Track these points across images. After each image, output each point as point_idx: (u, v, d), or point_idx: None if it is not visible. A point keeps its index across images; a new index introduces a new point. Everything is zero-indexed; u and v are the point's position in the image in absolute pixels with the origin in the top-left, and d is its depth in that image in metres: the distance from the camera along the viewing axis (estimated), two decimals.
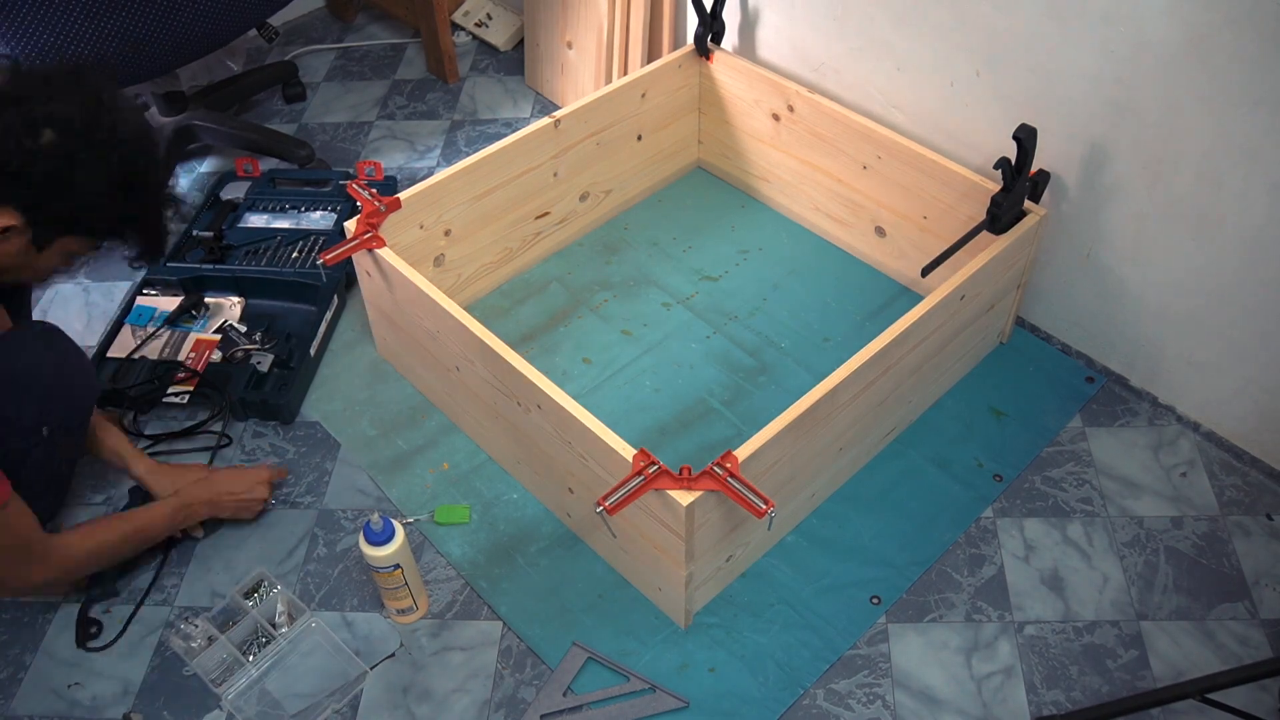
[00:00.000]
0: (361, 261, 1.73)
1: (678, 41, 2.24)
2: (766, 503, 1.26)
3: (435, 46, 2.55)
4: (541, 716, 1.43)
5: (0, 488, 1.28)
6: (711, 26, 2.02)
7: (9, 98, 1.21)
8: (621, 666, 1.47)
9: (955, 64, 1.74)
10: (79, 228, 1.28)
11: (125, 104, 1.30)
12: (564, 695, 1.45)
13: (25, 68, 1.26)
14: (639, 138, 2.08)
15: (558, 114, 1.90)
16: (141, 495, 1.64)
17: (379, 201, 1.69)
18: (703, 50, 2.05)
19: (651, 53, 2.24)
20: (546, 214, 2.01)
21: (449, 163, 2.34)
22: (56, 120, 1.19)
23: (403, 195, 1.73)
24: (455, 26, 2.71)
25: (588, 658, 1.48)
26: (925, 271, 1.72)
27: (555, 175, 1.97)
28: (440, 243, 1.84)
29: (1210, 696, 1.16)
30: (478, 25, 2.68)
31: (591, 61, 2.31)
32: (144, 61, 1.98)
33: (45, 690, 1.50)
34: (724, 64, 2.04)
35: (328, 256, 1.64)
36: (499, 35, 2.67)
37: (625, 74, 2.24)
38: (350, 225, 1.67)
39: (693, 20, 2.05)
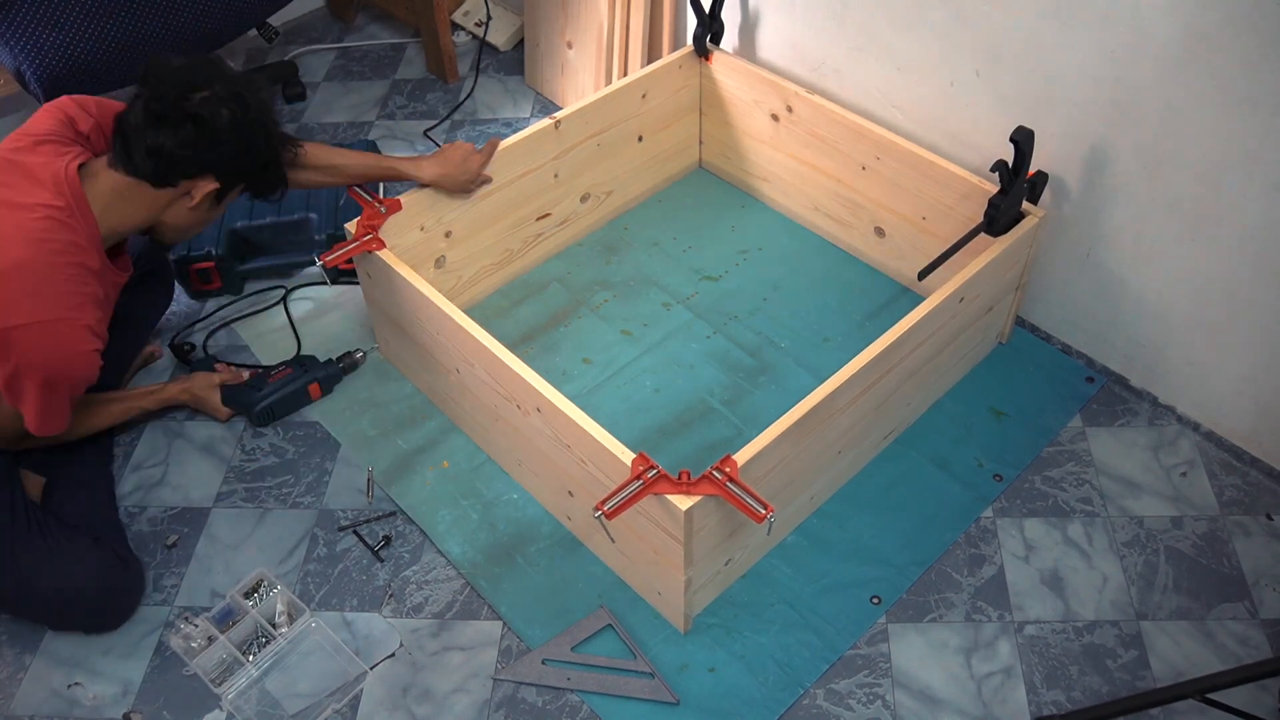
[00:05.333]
0: (362, 264, 1.73)
1: (678, 42, 2.24)
2: (766, 507, 1.26)
3: (435, 46, 2.55)
4: (544, 660, 1.47)
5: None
6: (710, 27, 2.02)
7: (181, 94, 1.40)
8: (634, 644, 1.49)
9: (955, 64, 1.74)
10: (244, 177, 1.51)
11: (244, 75, 1.53)
12: (571, 650, 1.48)
13: (164, 67, 1.43)
14: (640, 139, 2.08)
15: (558, 115, 1.90)
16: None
17: (380, 203, 1.69)
18: (702, 50, 2.05)
19: (651, 53, 2.24)
20: (547, 215, 2.01)
21: None
22: (227, 101, 1.42)
23: (403, 197, 1.73)
24: (455, 26, 2.71)
25: (607, 624, 1.51)
26: (922, 275, 1.72)
27: (556, 177, 1.97)
28: (441, 244, 1.84)
29: (1210, 696, 1.16)
30: (478, 25, 2.68)
31: (591, 61, 2.31)
32: (144, 61, 1.97)
33: (45, 690, 1.50)
34: (723, 64, 2.04)
35: (328, 259, 1.64)
36: (499, 35, 2.67)
37: (625, 74, 2.24)
38: (351, 227, 1.67)
39: (693, 20, 2.05)
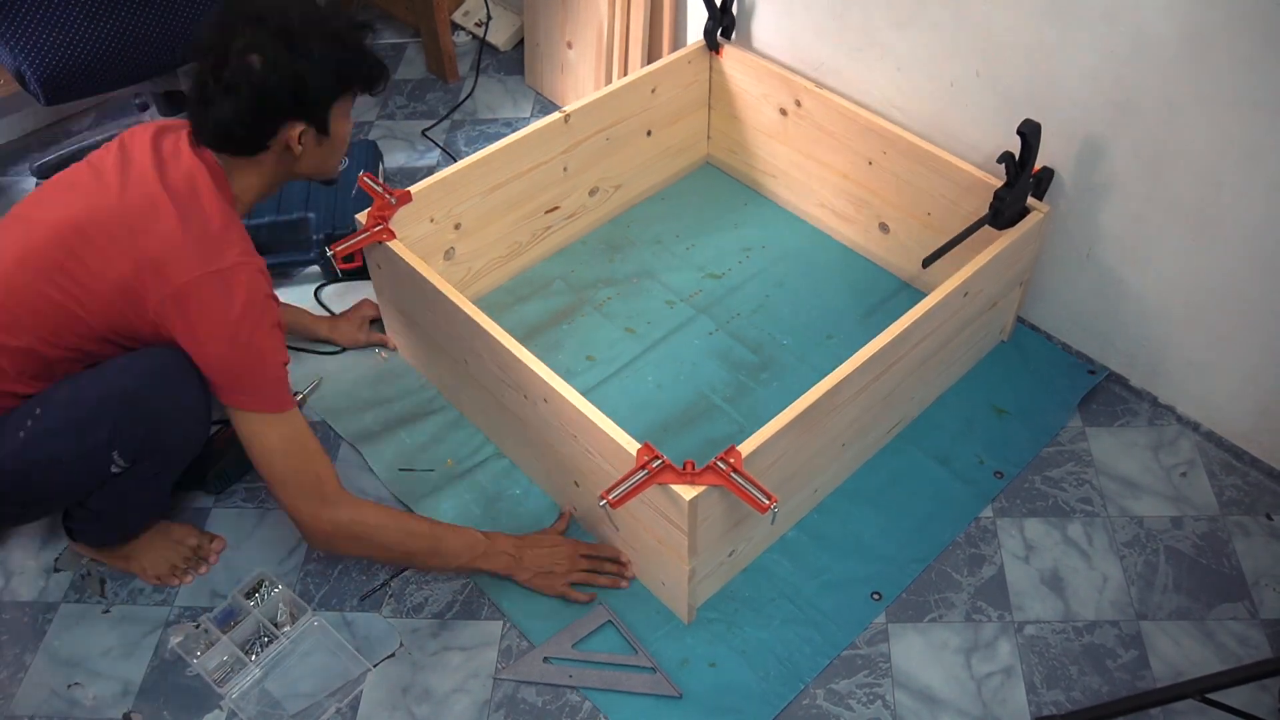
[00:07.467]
0: (372, 254, 1.73)
1: (678, 42, 2.24)
2: (769, 498, 1.27)
3: (435, 46, 2.55)
4: (545, 658, 1.48)
5: (282, 395, 1.38)
6: (721, 20, 2.02)
7: (215, 63, 1.34)
8: (635, 640, 1.49)
9: (955, 63, 1.74)
10: (330, 96, 1.41)
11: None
12: (572, 647, 1.49)
13: (200, 33, 1.37)
14: (649, 133, 2.08)
15: (568, 109, 1.90)
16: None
17: (390, 195, 1.69)
18: (712, 44, 2.05)
19: (651, 53, 2.24)
20: (556, 209, 2.01)
21: (449, 163, 2.34)
22: (254, 45, 1.33)
23: (414, 189, 1.73)
24: (455, 26, 2.71)
25: (608, 620, 1.51)
26: (926, 262, 1.72)
27: (565, 170, 1.97)
28: (450, 236, 1.84)
29: (1210, 696, 1.16)
30: (478, 25, 2.68)
31: (591, 61, 2.31)
32: (144, 61, 1.98)
33: (45, 690, 1.50)
34: (733, 58, 2.04)
35: (339, 249, 1.64)
36: (499, 35, 2.67)
37: (625, 74, 2.24)
38: (362, 218, 1.68)
39: (694, 21, 2.05)
